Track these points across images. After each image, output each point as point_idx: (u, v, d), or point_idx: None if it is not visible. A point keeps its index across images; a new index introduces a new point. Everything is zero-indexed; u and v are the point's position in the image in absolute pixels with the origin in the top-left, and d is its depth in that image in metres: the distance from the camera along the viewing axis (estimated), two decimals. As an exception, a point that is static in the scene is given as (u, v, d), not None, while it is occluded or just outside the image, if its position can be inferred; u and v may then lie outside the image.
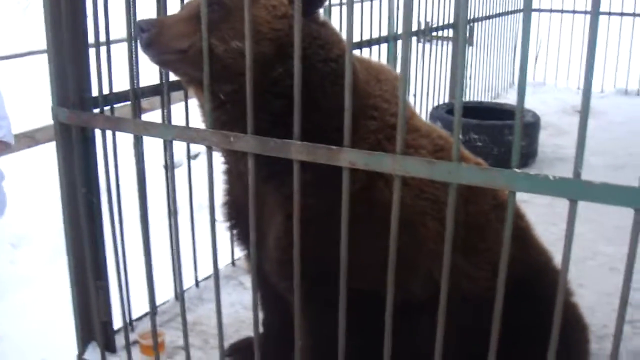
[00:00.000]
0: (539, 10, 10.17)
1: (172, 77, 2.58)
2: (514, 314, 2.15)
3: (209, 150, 2.32)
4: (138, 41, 2.38)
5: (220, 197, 2.93)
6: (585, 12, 8.98)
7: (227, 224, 2.96)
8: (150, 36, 2.33)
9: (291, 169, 2.13)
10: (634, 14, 9.85)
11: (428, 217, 2.50)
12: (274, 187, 2.49)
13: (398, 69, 2.07)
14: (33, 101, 8.00)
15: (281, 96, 2.33)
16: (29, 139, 5.30)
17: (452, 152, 1.90)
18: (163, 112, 2.44)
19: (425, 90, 7.16)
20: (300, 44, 2.02)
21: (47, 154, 5.11)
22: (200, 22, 2.18)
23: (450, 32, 7.81)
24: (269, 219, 2.59)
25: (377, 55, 5.54)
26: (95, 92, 2.93)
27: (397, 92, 2.60)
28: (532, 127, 6.48)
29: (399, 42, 6.10)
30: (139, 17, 3.19)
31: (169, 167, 2.40)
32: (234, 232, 2.96)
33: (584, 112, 1.72)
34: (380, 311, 2.24)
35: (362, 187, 2.23)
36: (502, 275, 1.93)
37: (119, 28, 2.96)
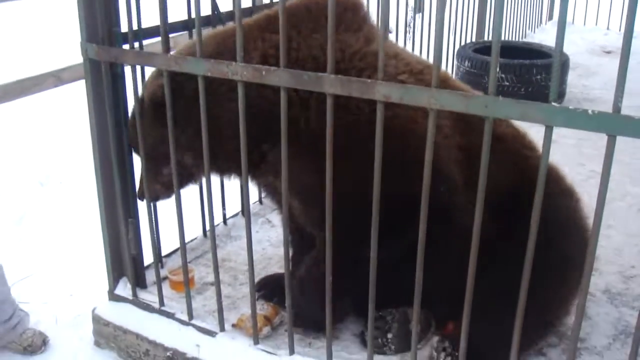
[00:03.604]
0: (568, -52, 9.88)
1: (204, 12, 2.54)
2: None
3: (242, 85, 2.30)
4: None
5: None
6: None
7: None
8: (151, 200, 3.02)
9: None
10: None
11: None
12: None
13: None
14: (58, 40, 7.99)
15: None
16: (55, 78, 5.25)
17: (489, 86, 1.88)
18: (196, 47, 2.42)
19: (452, 30, 7.05)
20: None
21: (74, 93, 5.11)
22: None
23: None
24: None
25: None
26: (124, 28, 2.90)
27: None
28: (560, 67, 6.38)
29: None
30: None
31: (201, 104, 2.39)
32: None
33: (627, 44, 1.69)
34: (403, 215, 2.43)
35: (367, 119, 2.24)
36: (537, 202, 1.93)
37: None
